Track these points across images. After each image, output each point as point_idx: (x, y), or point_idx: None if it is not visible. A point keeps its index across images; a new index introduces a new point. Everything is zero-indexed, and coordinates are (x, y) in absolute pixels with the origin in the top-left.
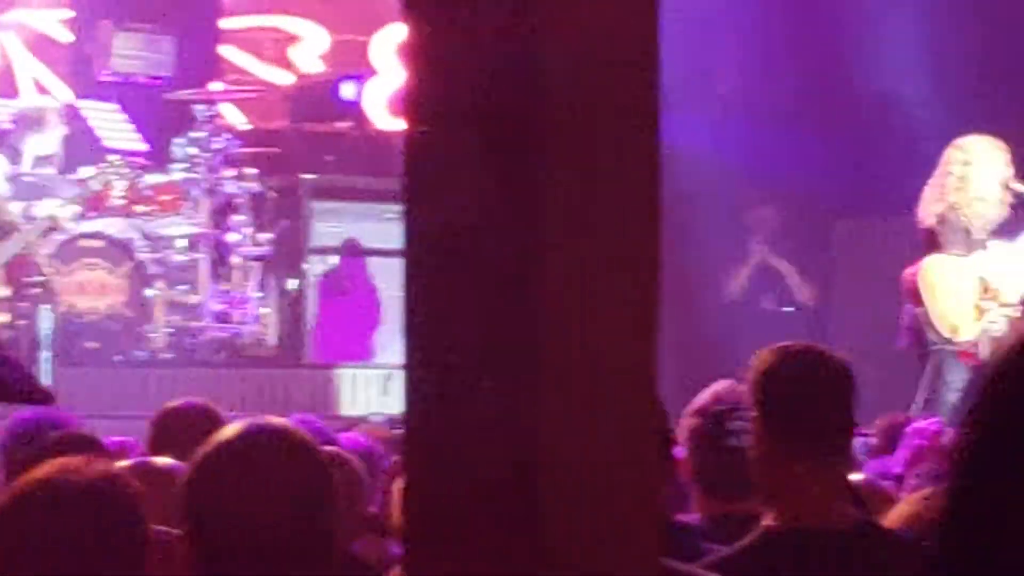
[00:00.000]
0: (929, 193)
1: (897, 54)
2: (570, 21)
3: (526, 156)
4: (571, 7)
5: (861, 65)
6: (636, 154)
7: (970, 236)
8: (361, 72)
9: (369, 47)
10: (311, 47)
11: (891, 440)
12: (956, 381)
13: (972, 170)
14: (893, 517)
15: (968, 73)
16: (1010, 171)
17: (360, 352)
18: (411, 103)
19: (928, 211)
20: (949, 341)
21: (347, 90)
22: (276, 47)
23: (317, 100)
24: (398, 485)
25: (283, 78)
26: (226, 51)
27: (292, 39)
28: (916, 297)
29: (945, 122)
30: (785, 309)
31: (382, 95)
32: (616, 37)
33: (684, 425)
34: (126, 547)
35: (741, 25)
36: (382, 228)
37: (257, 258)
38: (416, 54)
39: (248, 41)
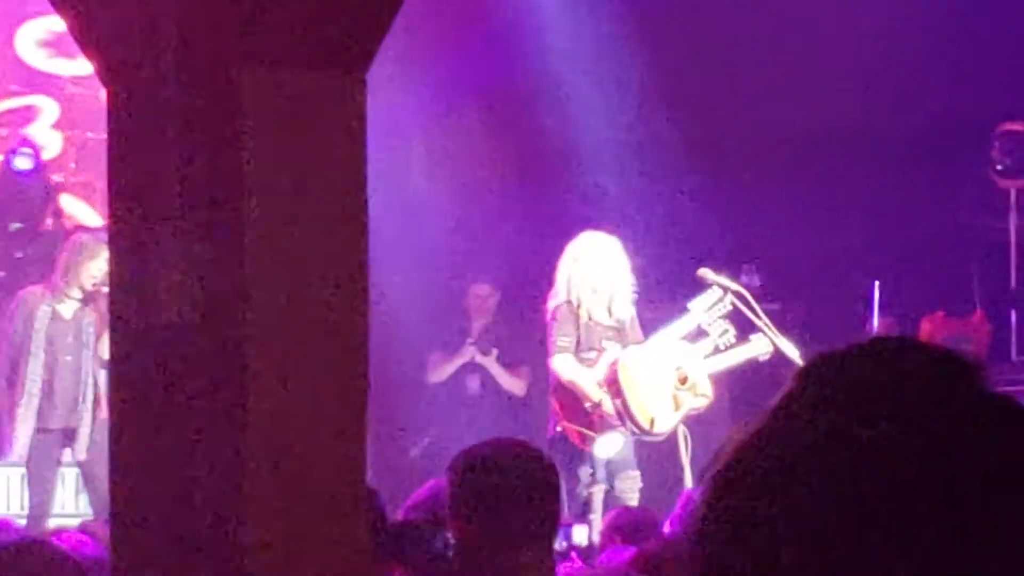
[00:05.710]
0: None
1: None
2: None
3: (228, 214)
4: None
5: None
6: (343, 225)
7: (588, 329)
8: (25, 140)
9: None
10: None
11: (620, 532)
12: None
13: (580, 266)
14: None
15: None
16: (618, 263)
17: None
18: (113, 197)
19: (550, 303)
20: (647, 432)
21: (22, 162)
22: None
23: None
24: None
25: None
26: None
27: None
28: (616, 389)
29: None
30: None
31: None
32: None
33: (399, 519)
34: None
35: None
36: None
37: None
38: (117, 139)
39: None
